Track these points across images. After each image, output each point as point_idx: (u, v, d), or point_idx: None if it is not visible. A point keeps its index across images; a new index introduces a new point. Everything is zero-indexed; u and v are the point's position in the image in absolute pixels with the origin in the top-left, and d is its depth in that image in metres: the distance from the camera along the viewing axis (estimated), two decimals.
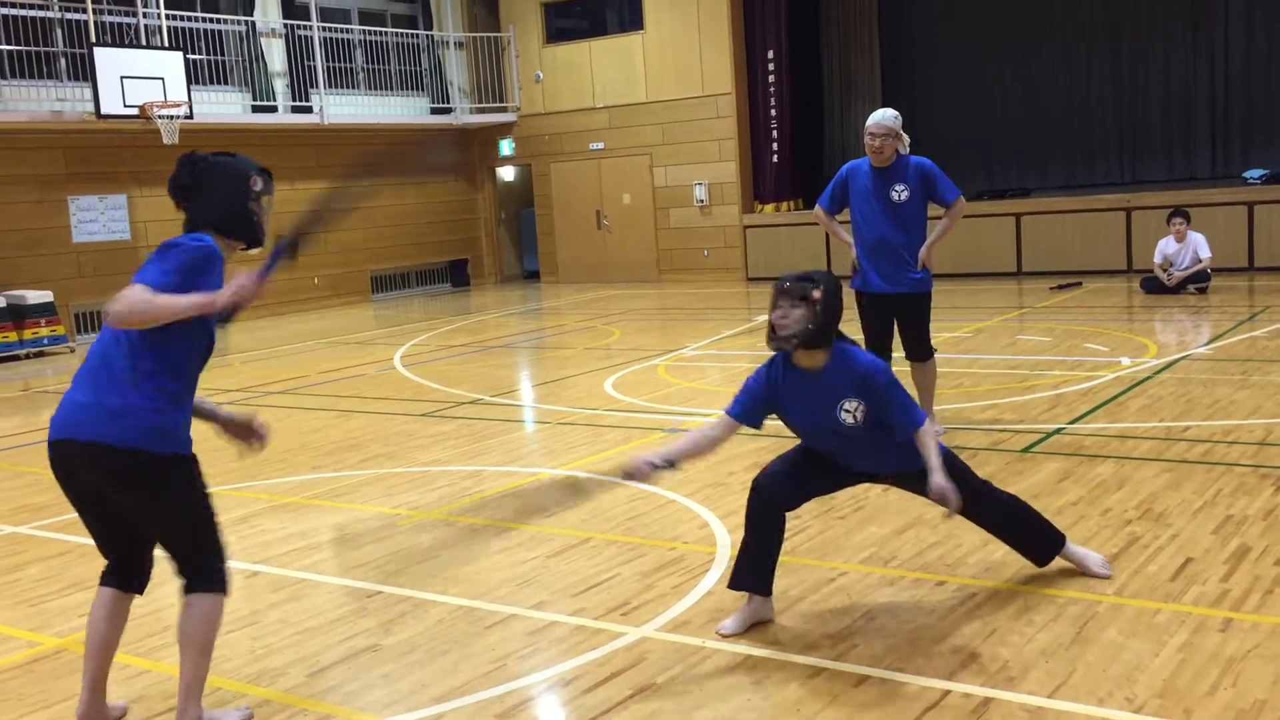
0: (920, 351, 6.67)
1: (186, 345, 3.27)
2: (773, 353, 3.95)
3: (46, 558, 5.46)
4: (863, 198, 6.58)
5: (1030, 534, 4.27)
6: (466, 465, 6.80)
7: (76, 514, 3.47)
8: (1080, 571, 4.29)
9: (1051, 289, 14.11)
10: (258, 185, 3.42)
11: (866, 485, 5.67)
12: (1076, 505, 5.22)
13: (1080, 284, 14.33)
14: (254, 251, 3.48)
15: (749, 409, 4.01)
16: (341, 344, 13.34)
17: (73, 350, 14.11)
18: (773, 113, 18.02)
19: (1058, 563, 4.34)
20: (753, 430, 4.11)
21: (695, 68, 18.14)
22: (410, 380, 10.23)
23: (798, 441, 4.15)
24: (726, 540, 5.01)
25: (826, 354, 3.88)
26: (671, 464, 3.82)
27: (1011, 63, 18.80)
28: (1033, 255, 15.85)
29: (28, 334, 13.66)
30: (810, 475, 4.10)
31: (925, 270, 6.56)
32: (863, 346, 4.29)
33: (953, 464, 4.00)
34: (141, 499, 3.29)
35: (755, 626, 4.01)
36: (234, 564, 5.12)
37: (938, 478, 3.82)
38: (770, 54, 17.88)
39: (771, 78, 17.94)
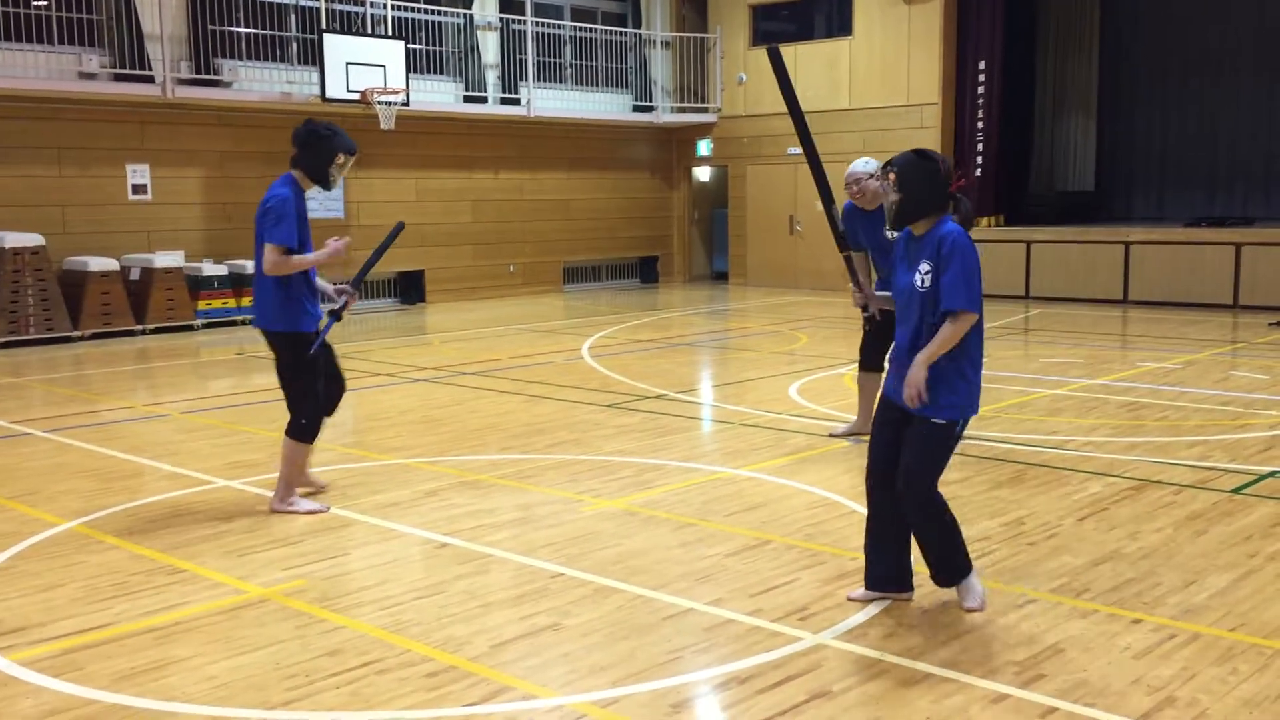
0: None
1: None
2: None
3: (254, 513, 5.78)
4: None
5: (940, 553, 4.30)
6: (649, 458, 6.87)
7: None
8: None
9: (1270, 324, 13.28)
10: (340, 160, 5.68)
11: (1059, 514, 5.50)
12: None
13: None
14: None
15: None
16: (533, 331, 13.66)
17: None
18: (979, 125, 17.52)
19: (1272, 613, 4.10)
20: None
21: (902, 76, 17.82)
22: (597, 371, 10.39)
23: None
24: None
25: (928, 224, 4.21)
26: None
27: (1241, 85, 17.81)
28: (1251, 288, 14.92)
29: (246, 301, 14.49)
30: (888, 439, 4.31)
31: None
32: None
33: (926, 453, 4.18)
34: None
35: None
36: (424, 534, 5.35)
37: (919, 356, 4.06)
38: (982, 64, 17.39)
39: (981, 89, 17.44)
